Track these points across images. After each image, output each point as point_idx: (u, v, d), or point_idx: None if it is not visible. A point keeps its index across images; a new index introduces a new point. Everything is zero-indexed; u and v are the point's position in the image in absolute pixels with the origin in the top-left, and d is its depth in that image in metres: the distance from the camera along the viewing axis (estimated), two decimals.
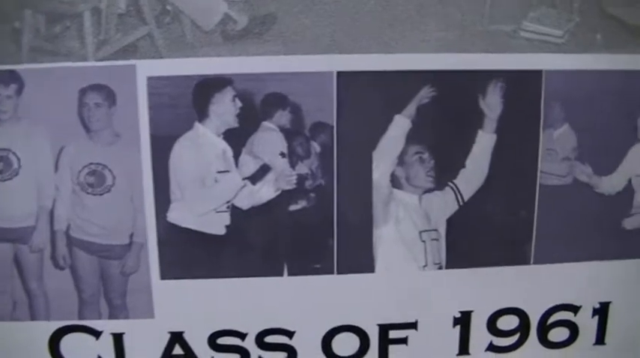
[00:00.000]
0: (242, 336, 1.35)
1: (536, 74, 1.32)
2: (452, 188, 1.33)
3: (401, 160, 1.31)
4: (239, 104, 1.27)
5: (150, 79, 1.25)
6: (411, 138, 1.30)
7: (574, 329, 1.43)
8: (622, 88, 1.35)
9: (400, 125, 1.29)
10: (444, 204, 1.34)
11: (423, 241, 1.35)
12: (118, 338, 1.34)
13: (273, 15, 1.26)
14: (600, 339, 1.43)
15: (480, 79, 1.30)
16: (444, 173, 1.33)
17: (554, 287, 1.41)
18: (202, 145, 1.28)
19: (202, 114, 1.27)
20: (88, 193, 1.29)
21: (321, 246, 1.33)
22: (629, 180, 1.39)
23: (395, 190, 1.32)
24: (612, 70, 1.34)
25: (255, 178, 1.31)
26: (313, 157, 1.30)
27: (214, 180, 1.30)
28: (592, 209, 1.38)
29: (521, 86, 1.32)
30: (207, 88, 1.26)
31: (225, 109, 1.28)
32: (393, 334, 1.38)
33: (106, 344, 1.35)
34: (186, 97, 1.26)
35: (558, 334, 1.42)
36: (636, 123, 1.36)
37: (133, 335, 1.34)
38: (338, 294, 1.35)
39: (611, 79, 1.35)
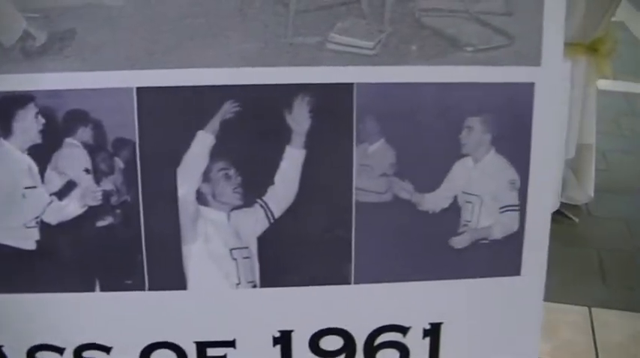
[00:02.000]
0: (60, 351, 1.35)
1: (347, 87, 1.26)
2: (261, 205, 1.29)
3: (206, 177, 1.28)
4: (42, 121, 1.26)
5: None
6: (216, 154, 1.27)
7: (404, 351, 1.37)
8: (441, 100, 1.28)
9: (203, 141, 1.26)
10: (253, 222, 1.30)
11: (235, 259, 1.32)
12: None
13: (73, 31, 1.24)
14: None
15: (285, 93, 1.26)
16: (252, 190, 1.29)
17: (379, 308, 1.35)
18: (8, 161, 1.28)
19: (6, 131, 1.26)
20: None
21: (131, 262, 1.31)
22: (455, 197, 1.32)
23: (202, 207, 1.29)
24: (430, 83, 1.28)
25: (61, 194, 1.30)
26: (117, 173, 1.28)
27: (22, 196, 1.30)
28: (416, 227, 1.32)
29: (331, 100, 1.27)
30: (9, 104, 1.25)
31: (28, 126, 1.27)
32: (211, 352, 1.35)
33: None
34: None
35: (387, 356, 1.37)
36: (459, 137, 1.30)
37: None
38: (152, 310, 1.33)
39: (430, 92, 1.28)
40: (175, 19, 1.23)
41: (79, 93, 1.25)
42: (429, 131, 1.30)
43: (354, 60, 1.27)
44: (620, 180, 3.31)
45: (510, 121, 1.31)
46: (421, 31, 1.27)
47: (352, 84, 1.27)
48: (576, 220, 2.84)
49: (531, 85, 1.30)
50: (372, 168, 1.30)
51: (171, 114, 1.26)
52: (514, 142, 1.32)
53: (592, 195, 2.93)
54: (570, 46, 2.69)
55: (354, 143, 1.28)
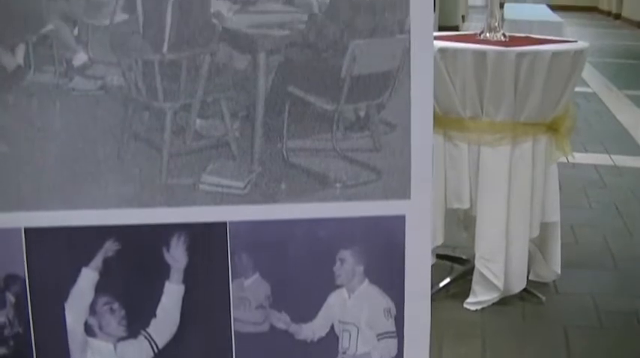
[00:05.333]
0: None
1: (221, 226, 1.33)
2: (145, 336, 1.35)
3: (92, 310, 1.35)
4: None
5: None
6: (101, 289, 1.34)
7: None
8: (312, 235, 1.34)
9: (87, 277, 1.34)
10: (138, 352, 1.36)
11: None
12: None
13: None
14: None
15: (162, 232, 1.33)
16: (136, 322, 1.35)
17: None
18: None
19: None
20: None
21: None
22: (332, 326, 1.36)
23: (90, 338, 1.36)
24: (300, 219, 1.34)
25: None
26: (9, 307, 1.36)
27: None
28: (295, 355, 1.36)
29: (207, 238, 1.33)
30: None
31: None
32: None
33: None
34: None
35: None
36: (332, 269, 1.35)
37: None
38: None
39: (300, 228, 1.34)
40: (57, 164, 1.32)
41: None
42: (302, 265, 1.35)
43: (226, 199, 1.33)
44: (588, 254, 3.30)
45: (383, 252, 1.36)
46: (290, 170, 1.33)
47: (225, 222, 1.33)
48: (543, 298, 2.84)
49: (402, 217, 1.35)
50: (249, 301, 1.36)
51: (57, 252, 1.34)
52: (388, 272, 1.36)
53: (559, 272, 2.91)
54: (530, 125, 2.72)
55: (230, 278, 1.34)
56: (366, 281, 1.37)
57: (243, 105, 1.33)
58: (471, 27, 12.59)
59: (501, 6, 3.66)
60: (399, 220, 1.35)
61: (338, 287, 1.36)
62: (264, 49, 1.32)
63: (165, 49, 1.30)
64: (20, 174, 1.32)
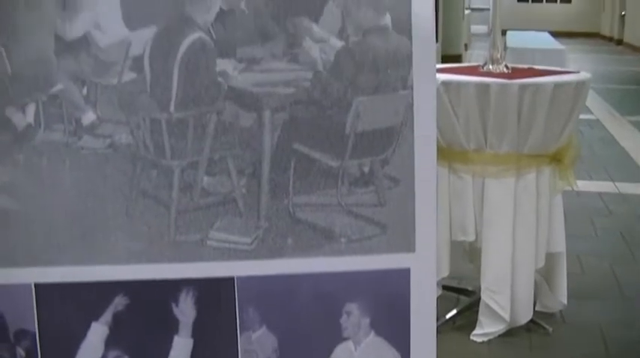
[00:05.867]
0: None
1: (228, 281, 1.35)
2: None
3: None
4: None
5: None
6: (111, 343, 1.36)
7: None
8: (319, 289, 1.36)
9: (97, 332, 1.36)
10: None
11: None
12: None
13: None
14: None
15: (171, 287, 1.35)
16: None
17: None
18: None
19: None
20: None
21: None
22: None
23: None
24: (307, 273, 1.35)
25: None
26: None
27: None
28: None
29: (214, 292, 1.35)
30: None
31: None
32: None
33: None
34: None
35: None
36: (339, 322, 1.36)
37: None
38: None
39: (307, 281, 1.36)
40: (67, 221, 1.34)
41: None
42: (308, 318, 1.37)
43: (234, 255, 1.36)
44: (594, 283, 3.30)
45: (388, 305, 1.38)
46: (296, 225, 1.35)
47: (233, 277, 1.35)
48: (549, 329, 2.84)
49: (406, 270, 1.36)
50: (257, 354, 1.37)
51: (67, 307, 1.36)
52: (393, 324, 1.38)
53: (565, 302, 2.92)
54: (534, 157, 2.73)
55: (238, 331, 1.36)
56: (372, 333, 1.38)
57: (250, 163, 1.35)
58: (474, 55, 12.62)
59: (503, 33, 3.67)
60: (404, 273, 1.37)
61: (344, 339, 1.38)
62: (269, 107, 1.35)
63: (172, 107, 1.33)
64: (30, 231, 1.35)
